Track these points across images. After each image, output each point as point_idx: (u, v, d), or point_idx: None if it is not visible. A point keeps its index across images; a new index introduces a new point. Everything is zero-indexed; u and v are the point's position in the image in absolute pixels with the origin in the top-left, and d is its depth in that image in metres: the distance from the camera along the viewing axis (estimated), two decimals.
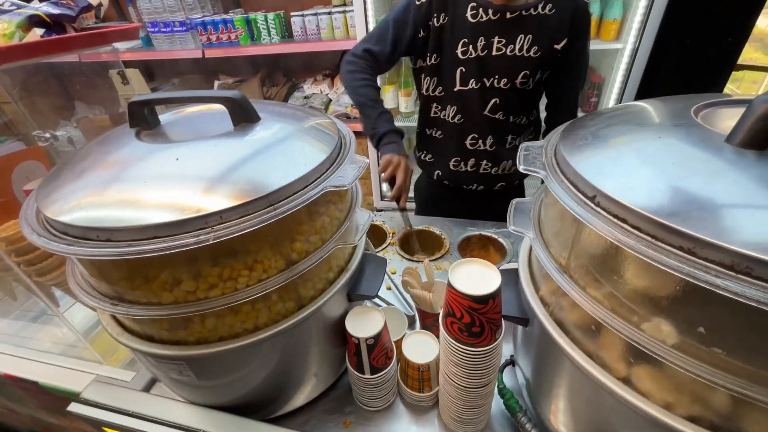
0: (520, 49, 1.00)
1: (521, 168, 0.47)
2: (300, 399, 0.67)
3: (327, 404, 0.70)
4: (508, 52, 1.01)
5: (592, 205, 0.37)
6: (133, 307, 0.44)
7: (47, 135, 0.96)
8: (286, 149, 0.49)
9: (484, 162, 1.18)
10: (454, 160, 1.20)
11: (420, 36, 1.04)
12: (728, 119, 0.40)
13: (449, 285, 0.47)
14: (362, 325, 0.59)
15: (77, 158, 0.49)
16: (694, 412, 0.36)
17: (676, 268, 0.29)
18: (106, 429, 0.62)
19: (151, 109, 0.52)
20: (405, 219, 1.08)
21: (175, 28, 2.34)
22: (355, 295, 0.60)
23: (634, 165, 0.38)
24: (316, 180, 0.47)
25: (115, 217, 0.39)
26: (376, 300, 0.86)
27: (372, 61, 1.08)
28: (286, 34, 2.34)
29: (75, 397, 0.67)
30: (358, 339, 0.57)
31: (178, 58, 2.45)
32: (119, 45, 1.20)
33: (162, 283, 0.43)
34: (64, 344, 0.87)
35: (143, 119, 0.52)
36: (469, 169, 1.20)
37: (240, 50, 2.31)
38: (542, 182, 0.51)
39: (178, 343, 0.49)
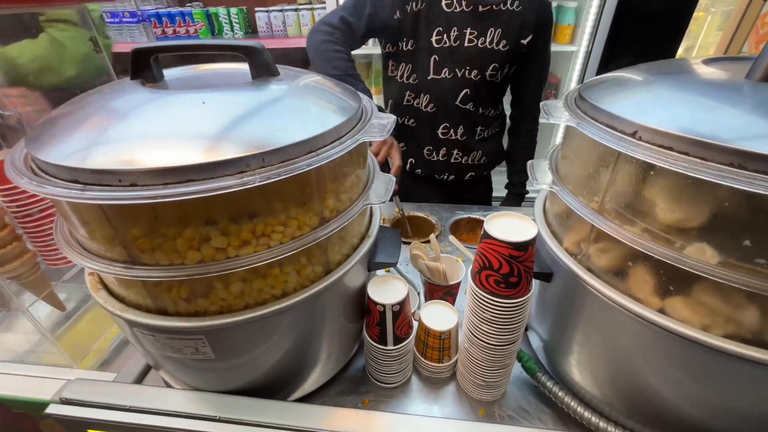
0: (491, 42, 1.05)
1: (550, 119, 0.49)
2: (312, 382, 0.63)
3: (340, 386, 0.66)
4: (479, 44, 1.05)
5: (634, 140, 0.39)
6: (152, 269, 0.39)
7: None
8: (314, 100, 0.47)
9: (455, 151, 1.22)
10: (426, 149, 1.22)
11: (395, 18, 1.03)
12: (734, 68, 0.44)
13: (488, 237, 0.47)
14: (386, 292, 0.57)
15: (73, 107, 0.42)
16: (729, 331, 0.39)
17: (732, 182, 0.32)
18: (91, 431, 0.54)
19: (156, 59, 0.47)
20: (397, 203, 1.07)
21: (124, 19, 2.17)
22: (375, 263, 0.58)
23: (665, 102, 0.40)
24: (349, 131, 0.45)
25: (140, 158, 0.34)
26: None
27: (348, 34, 1.02)
28: (250, 29, 2.27)
29: (44, 408, 0.58)
30: (383, 306, 0.55)
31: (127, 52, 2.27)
32: None
33: (189, 240, 0.39)
34: (20, 350, 0.75)
35: (148, 70, 0.47)
36: (440, 158, 1.23)
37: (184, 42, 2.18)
38: (563, 138, 0.53)
39: (197, 314, 0.44)
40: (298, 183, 0.42)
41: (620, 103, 0.43)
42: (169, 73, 0.50)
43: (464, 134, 1.18)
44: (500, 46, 1.05)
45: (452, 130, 1.18)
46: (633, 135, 0.39)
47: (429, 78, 1.11)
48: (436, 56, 1.07)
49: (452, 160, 1.23)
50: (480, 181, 1.35)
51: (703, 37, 2.48)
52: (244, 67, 0.53)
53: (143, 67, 0.46)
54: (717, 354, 0.39)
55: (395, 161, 1.00)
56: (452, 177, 1.27)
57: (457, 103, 1.13)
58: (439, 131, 1.18)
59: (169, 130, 0.37)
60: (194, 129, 0.37)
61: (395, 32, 1.07)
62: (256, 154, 0.36)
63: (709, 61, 0.48)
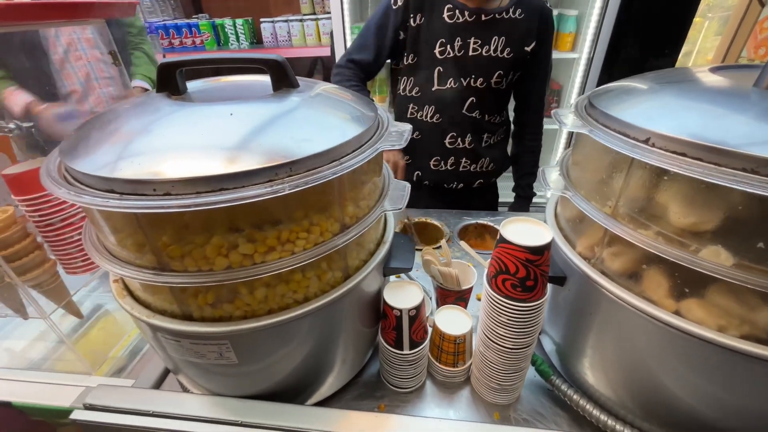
0: (495, 50, 1.07)
1: (563, 128, 0.50)
2: (328, 387, 0.63)
3: (356, 391, 0.67)
4: (483, 53, 1.07)
5: (648, 146, 0.40)
6: (181, 275, 0.40)
7: (11, 126, 0.85)
8: (334, 111, 0.48)
9: (464, 160, 1.23)
10: (434, 159, 1.24)
11: (400, 38, 1.08)
12: (740, 76, 0.46)
13: (504, 242, 0.48)
14: (402, 297, 0.58)
15: (104, 119, 0.44)
16: (745, 331, 0.40)
17: (745, 186, 0.33)
18: None
19: (181, 72, 0.49)
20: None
21: None
22: (390, 268, 0.59)
23: (674, 109, 0.42)
24: (369, 140, 0.47)
25: (173, 168, 0.36)
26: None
27: (357, 69, 1.11)
28: (255, 40, 2.31)
29: (65, 415, 0.58)
30: (400, 311, 0.56)
31: None
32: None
33: (217, 246, 0.40)
34: (34, 358, 0.75)
35: (173, 84, 0.48)
36: (449, 167, 1.24)
37: (206, 55, 2.23)
38: (569, 145, 0.54)
39: (222, 319, 0.45)
40: (321, 191, 0.43)
41: (630, 111, 0.44)
42: (191, 86, 0.52)
43: (472, 142, 1.20)
44: (504, 54, 1.07)
45: (460, 139, 1.20)
46: (646, 142, 0.40)
47: (433, 89, 1.12)
48: (440, 67, 1.09)
49: (461, 169, 1.24)
50: (488, 188, 1.37)
51: (701, 42, 2.51)
52: (262, 79, 0.54)
53: (169, 80, 0.48)
54: (733, 354, 0.39)
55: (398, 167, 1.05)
56: (461, 185, 1.28)
57: (464, 111, 1.15)
58: (447, 141, 1.20)
59: (199, 141, 0.39)
60: (223, 139, 0.39)
61: (399, 50, 1.11)
62: (284, 164, 0.37)
63: (715, 70, 0.50)
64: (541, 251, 0.47)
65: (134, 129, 0.41)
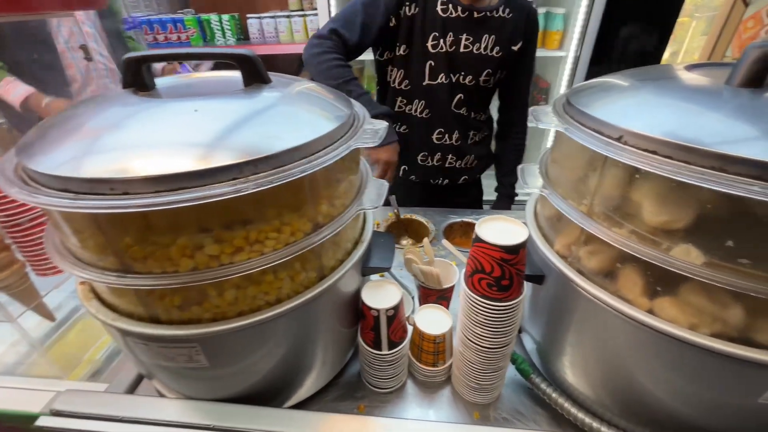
0: (485, 49, 1.06)
1: (539, 125, 0.50)
2: (307, 389, 0.62)
3: (336, 392, 0.66)
4: (474, 50, 1.06)
5: (620, 144, 0.40)
6: (145, 277, 0.39)
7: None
8: (306, 107, 0.47)
9: (450, 156, 1.23)
10: (421, 155, 1.23)
11: (390, 25, 1.02)
12: (715, 73, 0.46)
13: (479, 240, 0.48)
14: (380, 297, 0.57)
15: (66, 116, 0.42)
16: (716, 329, 0.40)
17: (713, 184, 0.33)
18: None
19: (148, 68, 0.47)
20: (394, 204, 1.07)
21: None
22: (368, 268, 0.59)
23: (650, 107, 0.42)
24: (342, 137, 0.46)
25: (131, 166, 0.34)
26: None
27: (339, 43, 1.00)
28: (242, 36, 2.27)
29: (32, 420, 0.57)
30: (378, 311, 0.56)
31: None
32: None
33: (182, 247, 0.39)
34: (8, 362, 0.73)
35: (140, 79, 0.47)
36: (435, 163, 1.24)
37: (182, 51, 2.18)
38: (552, 143, 0.54)
39: (191, 322, 0.44)
40: (292, 189, 0.42)
41: (606, 108, 0.44)
42: (161, 82, 0.50)
43: (459, 139, 1.19)
44: (494, 53, 1.07)
45: (447, 135, 1.19)
46: (618, 139, 0.40)
47: (424, 84, 1.10)
48: (432, 61, 1.07)
49: (447, 165, 1.24)
50: (473, 184, 1.37)
51: (688, 42, 2.54)
52: (236, 75, 0.53)
53: (135, 75, 0.46)
54: (704, 352, 0.39)
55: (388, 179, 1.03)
56: (447, 181, 1.28)
57: (452, 108, 1.14)
58: (434, 137, 1.19)
59: (161, 139, 0.37)
60: (186, 137, 0.37)
61: (390, 39, 1.06)
62: (248, 161, 0.36)
63: (691, 67, 0.49)
64: (516, 250, 0.46)
65: (94, 127, 0.40)
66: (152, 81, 0.48)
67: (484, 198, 1.44)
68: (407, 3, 1.02)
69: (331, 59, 0.97)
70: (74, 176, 0.34)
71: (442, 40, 1.04)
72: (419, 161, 1.24)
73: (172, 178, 0.34)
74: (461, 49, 1.06)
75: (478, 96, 1.16)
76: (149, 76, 0.48)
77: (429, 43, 1.05)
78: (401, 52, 1.08)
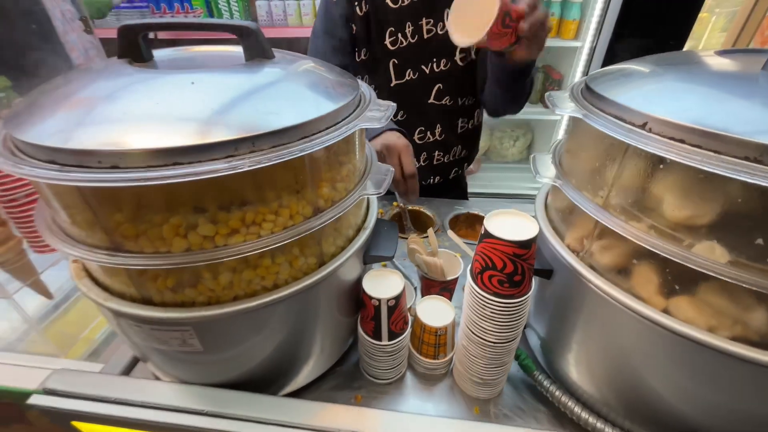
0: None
1: (555, 111, 0.47)
2: (305, 377, 0.61)
3: (333, 381, 0.65)
4: (439, 31, 0.97)
5: (644, 131, 0.37)
6: (136, 257, 0.37)
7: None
8: (310, 84, 0.44)
9: (436, 153, 1.16)
10: None
11: (354, 33, 0.96)
12: (748, 60, 0.43)
13: (489, 237, 0.45)
14: (381, 286, 0.56)
15: (56, 85, 0.40)
16: (737, 332, 0.38)
17: (748, 177, 0.30)
18: (75, 423, 0.52)
19: (145, 37, 0.45)
20: (400, 199, 1.04)
21: (121, 5, 2.13)
22: (371, 256, 0.57)
23: (676, 93, 0.39)
24: (347, 117, 0.43)
25: (121, 140, 0.32)
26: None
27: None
28: (250, 18, 2.23)
29: (26, 397, 0.56)
30: (378, 300, 0.54)
31: None
32: None
33: (174, 226, 0.37)
34: (9, 338, 0.73)
35: (136, 49, 0.44)
36: (422, 164, 1.16)
37: (197, 32, 2.15)
38: (568, 130, 0.51)
39: (184, 304, 0.42)
40: (292, 170, 0.40)
41: (629, 94, 0.41)
42: (159, 54, 0.48)
43: (443, 132, 1.12)
44: None
45: (428, 133, 1.12)
46: (643, 126, 0.37)
47: (392, 85, 1.03)
48: (394, 60, 1.00)
49: (435, 162, 1.17)
50: (463, 177, 1.31)
51: (706, 38, 2.45)
52: (239, 49, 0.50)
53: (131, 45, 0.44)
54: (722, 356, 0.37)
55: (408, 169, 0.87)
56: (438, 179, 1.21)
57: (430, 101, 1.06)
58: (416, 137, 1.12)
59: (155, 111, 0.35)
60: (181, 110, 0.35)
61: (351, 46, 0.99)
62: (245, 138, 0.34)
63: (722, 53, 0.46)
64: (529, 245, 0.44)
65: (86, 97, 0.38)
66: (149, 52, 0.46)
67: (471, 191, 1.39)
68: (356, 2, 0.94)
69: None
70: (60, 147, 0.32)
71: (400, 35, 0.96)
72: None
73: (164, 152, 0.32)
74: (425, 36, 0.97)
75: (460, 79, 1.05)
76: (146, 46, 0.45)
77: (387, 41, 0.97)
78: (363, 56, 1.01)
